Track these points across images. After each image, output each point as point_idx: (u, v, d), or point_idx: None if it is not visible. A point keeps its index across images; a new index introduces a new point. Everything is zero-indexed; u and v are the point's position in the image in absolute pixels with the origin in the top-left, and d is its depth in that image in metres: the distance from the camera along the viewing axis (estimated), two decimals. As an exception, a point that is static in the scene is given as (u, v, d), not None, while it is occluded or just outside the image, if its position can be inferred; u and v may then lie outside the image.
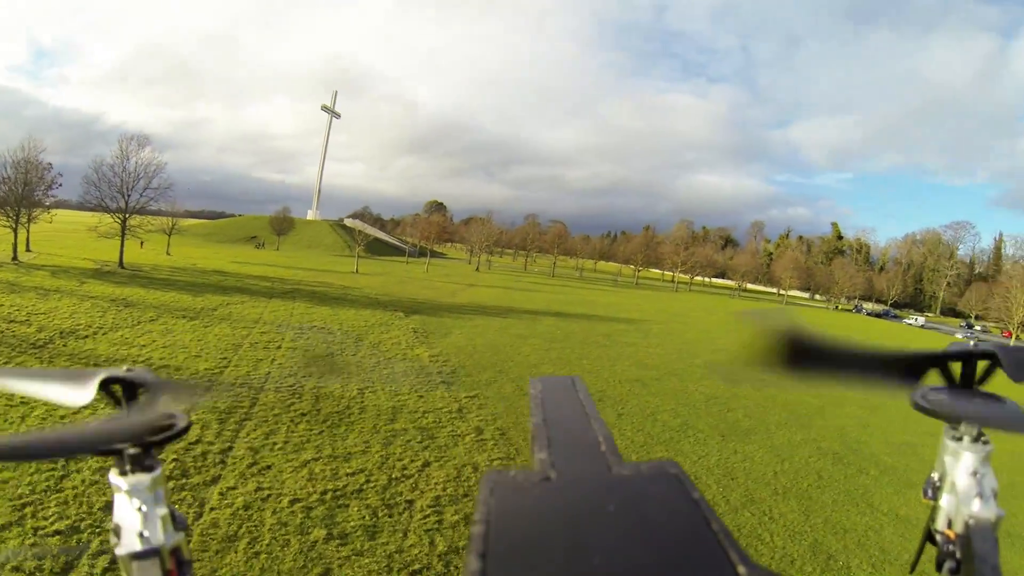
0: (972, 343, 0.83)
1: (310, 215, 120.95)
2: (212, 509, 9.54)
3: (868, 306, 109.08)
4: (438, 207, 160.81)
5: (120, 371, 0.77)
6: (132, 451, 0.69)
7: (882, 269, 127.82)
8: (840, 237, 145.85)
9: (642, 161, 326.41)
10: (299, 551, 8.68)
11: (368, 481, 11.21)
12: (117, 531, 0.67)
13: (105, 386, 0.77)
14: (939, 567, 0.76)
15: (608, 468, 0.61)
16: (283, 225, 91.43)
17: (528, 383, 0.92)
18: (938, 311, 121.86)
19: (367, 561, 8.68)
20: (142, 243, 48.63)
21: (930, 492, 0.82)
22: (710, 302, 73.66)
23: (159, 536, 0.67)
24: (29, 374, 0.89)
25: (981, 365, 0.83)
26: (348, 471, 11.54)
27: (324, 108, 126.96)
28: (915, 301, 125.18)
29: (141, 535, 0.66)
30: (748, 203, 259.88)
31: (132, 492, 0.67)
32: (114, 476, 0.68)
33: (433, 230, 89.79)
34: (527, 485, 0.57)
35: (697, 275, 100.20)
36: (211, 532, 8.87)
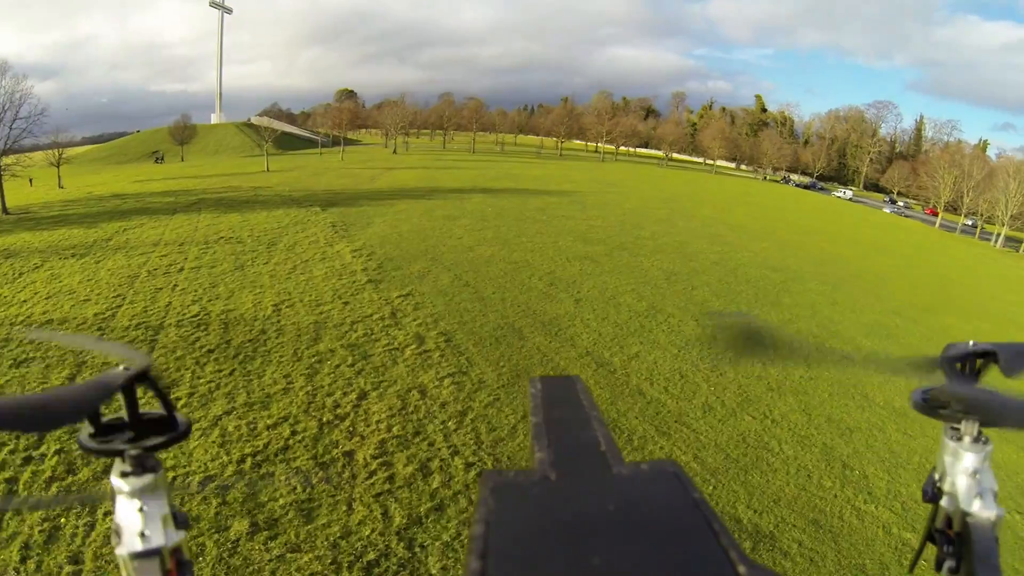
0: (971, 343, 0.83)
1: (214, 119, 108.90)
2: (106, 515, 6.46)
3: (795, 178, 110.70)
4: (349, 95, 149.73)
5: (118, 371, 0.74)
6: (133, 452, 0.68)
7: (807, 143, 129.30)
8: (764, 110, 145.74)
9: (556, 37, 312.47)
10: (217, 560, 6.22)
11: (294, 433, 8.73)
12: (118, 531, 0.66)
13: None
14: (939, 567, 0.75)
15: (608, 468, 0.61)
16: (184, 134, 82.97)
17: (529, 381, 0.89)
18: (861, 185, 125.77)
19: (306, 560, 6.30)
20: (31, 181, 41.61)
21: (930, 492, 0.81)
22: (640, 171, 72.29)
23: (160, 536, 0.66)
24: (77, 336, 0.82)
25: (980, 363, 0.83)
26: (268, 422, 8.98)
27: (213, 3, 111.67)
28: (839, 175, 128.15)
29: (142, 535, 0.66)
30: (666, 76, 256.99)
31: (133, 493, 0.67)
32: (115, 477, 0.68)
33: (344, 117, 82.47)
34: (527, 485, 0.57)
35: (622, 145, 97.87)
36: (105, 552, 6.19)
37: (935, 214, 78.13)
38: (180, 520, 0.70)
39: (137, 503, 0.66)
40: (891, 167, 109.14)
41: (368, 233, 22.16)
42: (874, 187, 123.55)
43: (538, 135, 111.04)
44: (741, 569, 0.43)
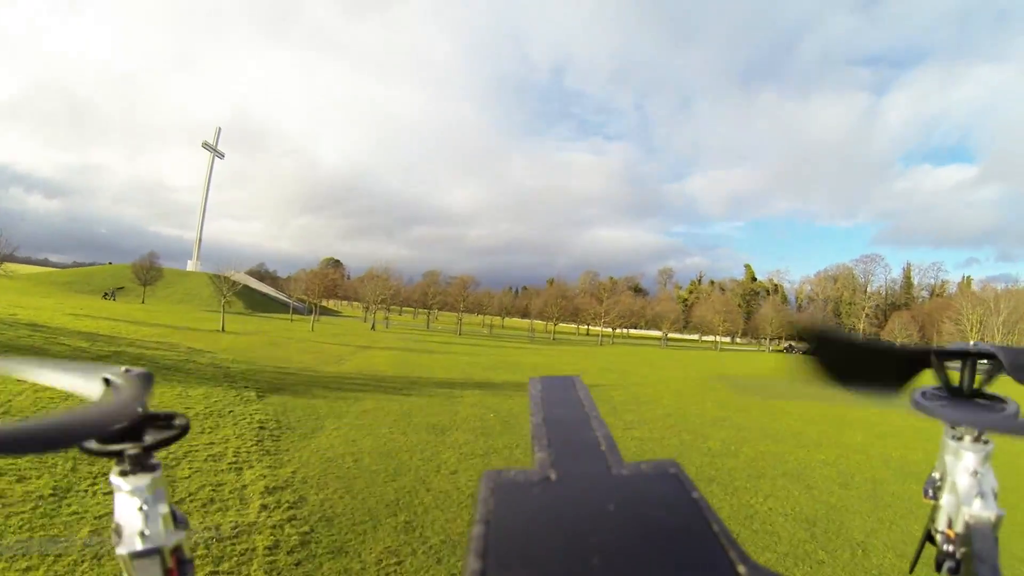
0: (971, 343, 0.82)
1: (190, 266, 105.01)
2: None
3: (798, 345, 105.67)
4: (334, 264, 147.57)
5: (119, 371, 0.75)
6: (132, 451, 0.68)
7: (800, 307, 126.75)
8: (754, 279, 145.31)
9: (540, 219, 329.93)
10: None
11: None
12: (118, 530, 0.66)
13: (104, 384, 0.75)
14: (939, 567, 0.75)
15: (608, 468, 0.59)
16: (149, 274, 78.37)
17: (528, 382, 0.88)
18: None
19: None
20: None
21: (930, 492, 0.81)
22: (645, 354, 64.99)
23: (160, 535, 0.66)
24: (41, 364, 0.83)
25: (981, 365, 0.83)
26: None
27: (205, 145, 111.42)
28: None
29: (142, 534, 0.65)
30: (647, 255, 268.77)
31: (133, 492, 0.67)
32: (115, 476, 0.68)
33: (319, 283, 76.87)
34: (527, 485, 0.56)
35: (619, 327, 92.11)
36: None
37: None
38: (180, 519, 0.69)
39: (137, 502, 0.66)
40: (890, 319, 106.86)
41: (308, 451, 13.56)
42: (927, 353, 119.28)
43: (527, 317, 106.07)
44: (741, 569, 0.43)
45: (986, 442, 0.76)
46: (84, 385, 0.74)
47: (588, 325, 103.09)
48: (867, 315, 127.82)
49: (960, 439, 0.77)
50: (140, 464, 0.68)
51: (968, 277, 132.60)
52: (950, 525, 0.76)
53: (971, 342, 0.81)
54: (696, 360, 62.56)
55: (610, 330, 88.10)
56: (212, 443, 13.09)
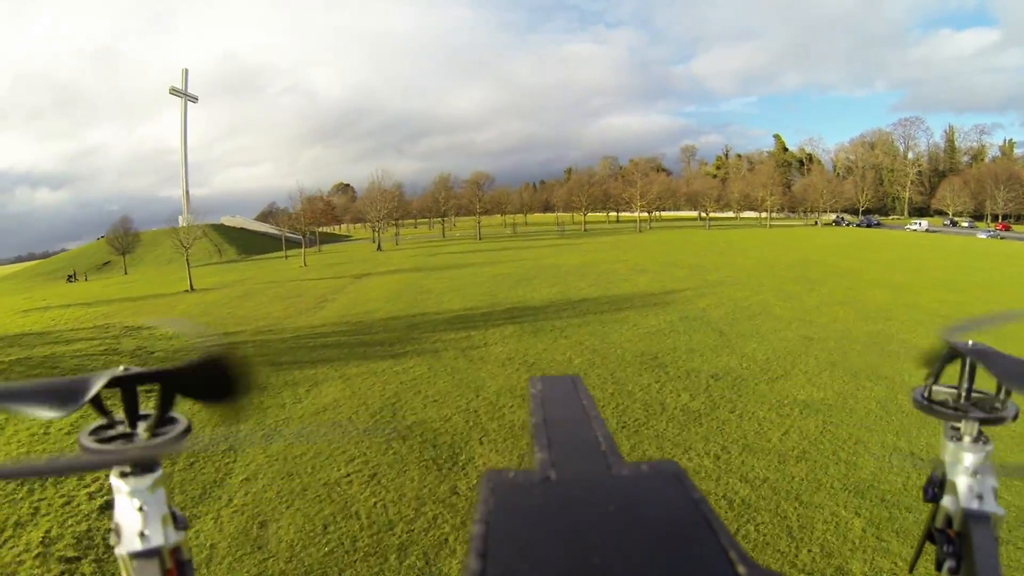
0: (969, 342, 0.83)
1: (181, 221, 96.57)
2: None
3: (848, 218, 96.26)
4: (344, 189, 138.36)
5: (118, 371, 0.74)
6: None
7: (838, 176, 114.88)
8: (786, 149, 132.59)
9: (550, 114, 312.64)
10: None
11: None
12: (117, 530, 0.67)
13: (96, 399, 0.74)
14: (939, 566, 0.76)
15: (608, 468, 0.60)
16: (125, 242, 70.43)
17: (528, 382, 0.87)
18: (906, 212, 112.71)
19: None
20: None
21: (931, 492, 0.82)
22: (700, 239, 55.63)
23: (159, 536, 0.67)
24: (12, 390, 0.74)
25: (977, 365, 0.83)
26: None
27: (173, 91, 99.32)
28: (881, 206, 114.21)
29: (141, 535, 0.66)
30: (660, 137, 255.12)
31: (133, 493, 0.67)
32: (115, 477, 0.68)
33: (307, 211, 68.36)
34: (527, 485, 0.57)
35: (656, 209, 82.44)
36: None
37: (1007, 229, 72.36)
38: (179, 520, 0.70)
39: (137, 503, 0.67)
40: (941, 186, 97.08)
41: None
42: (918, 212, 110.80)
43: (551, 211, 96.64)
44: (741, 569, 0.43)
45: (986, 442, 0.77)
46: (58, 409, 0.69)
47: (618, 211, 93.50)
48: (912, 182, 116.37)
49: (960, 439, 0.78)
50: (140, 465, 0.68)
51: (1011, 140, 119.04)
52: (950, 525, 0.76)
53: (969, 342, 0.82)
54: (758, 240, 53.47)
55: (646, 214, 78.37)
56: None
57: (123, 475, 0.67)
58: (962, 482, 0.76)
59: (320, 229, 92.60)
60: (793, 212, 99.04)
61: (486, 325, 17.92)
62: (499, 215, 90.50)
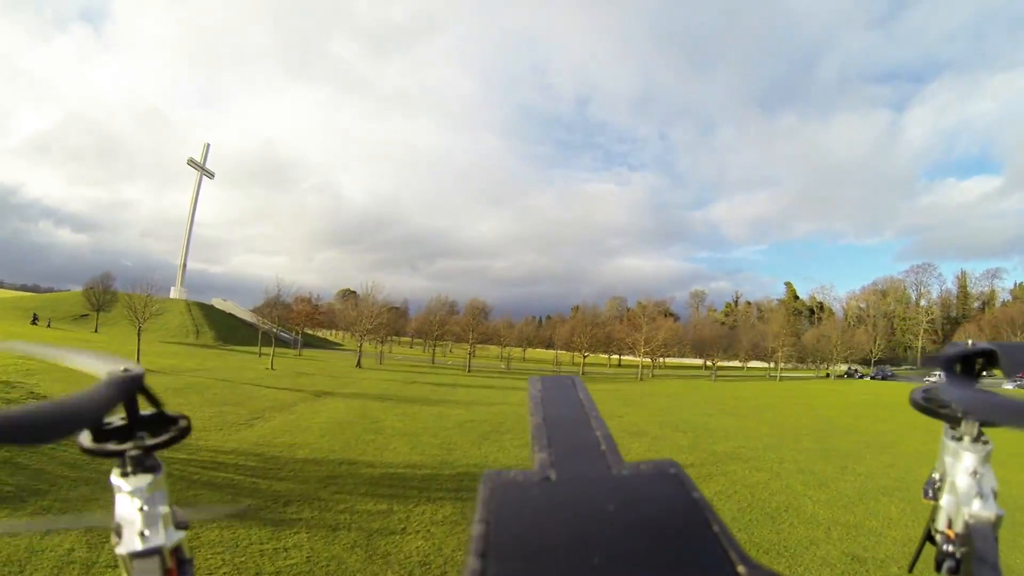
0: (970, 342, 0.84)
1: (173, 293, 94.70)
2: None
3: (861, 369, 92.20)
4: (351, 295, 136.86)
5: (118, 371, 0.75)
6: (133, 452, 0.69)
7: (851, 325, 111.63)
8: (796, 297, 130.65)
9: (565, 249, 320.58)
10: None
11: None
12: (118, 530, 0.66)
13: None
14: (938, 567, 0.75)
15: (608, 468, 0.59)
16: (102, 299, 68.53)
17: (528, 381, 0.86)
18: (918, 363, 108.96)
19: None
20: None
21: (930, 492, 0.81)
22: (713, 393, 51.19)
23: (160, 535, 0.66)
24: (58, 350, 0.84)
25: (980, 363, 0.85)
26: None
27: (191, 162, 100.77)
28: (893, 355, 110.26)
29: (142, 534, 0.66)
30: (670, 281, 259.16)
31: (134, 492, 0.67)
32: (115, 477, 0.68)
33: (296, 315, 64.99)
34: (527, 485, 0.56)
35: (661, 356, 78.30)
36: None
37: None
38: (180, 520, 0.70)
39: (137, 503, 0.66)
40: (956, 334, 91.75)
41: None
42: (932, 361, 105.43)
43: (552, 348, 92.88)
44: (741, 569, 0.42)
45: (986, 442, 0.76)
46: (76, 426, 0.68)
47: (620, 355, 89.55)
48: (924, 330, 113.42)
49: (960, 439, 0.77)
50: (141, 465, 0.68)
51: (1022, 284, 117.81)
52: (950, 525, 0.75)
53: (969, 341, 0.83)
54: (769, 396, 48.87)
55: (649, 360, 74.23)
56: None
57: (123, 475, 0.67)
58: (962, 482, 0.75)
59: (312, 332, 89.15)
60: (802, 363, 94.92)
61: (419, 497, 13.39)
62: (499, 346, 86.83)
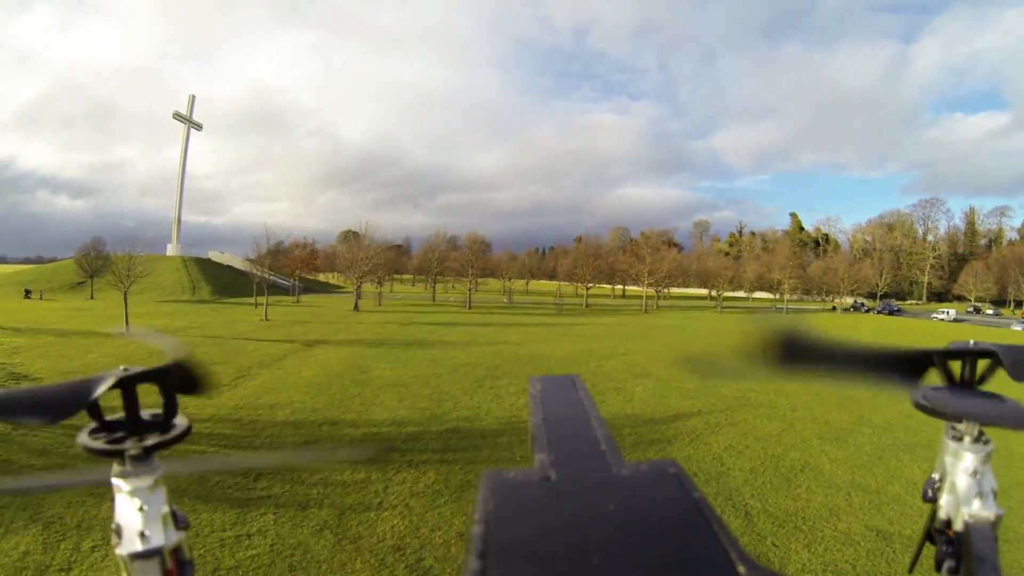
0: (971, 342, 0.83)
1: (170, 250, 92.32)
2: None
3: (867, 303, 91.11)
4: (352, 236, 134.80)
5: (118, 371, 0.76)
6: (133, 452, 0.70)
7: (856, 259, 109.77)
8: (802, 229, 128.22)
9: (567, 180, 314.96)
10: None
11: None
12: (118, 531, 0.67)
13: (93, 407, 0.75)
14: (938, 567, 0.77)
15: (608, 468, 0.61)
16: (95, 264, 65.77)
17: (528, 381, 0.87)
18: (924, 298, 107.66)
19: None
20: None
21: (930, 492, 0.82)
22: (714, 323, 50.21)
23: (160, 536, 0.67)
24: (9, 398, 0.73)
25: (981, 364, 0.84)
26: None
27: (177, 116, 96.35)
28: (898, 290, 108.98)
29: (142, 535, 0.67)
30: (674, 210, 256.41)
31: (133, 493, 0.68)
32: (115, 477, 0.69)
33: (294, 262, 63.73)
34: (527, 485, 0.57)
35: (667, 287, 76.92)
36: None
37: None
38: (180, 520, 0.71)
39: (137, 503, 0.67)
40: (963, 271, 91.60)
41: None
42: (936, 297, 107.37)
43: (555, 279, 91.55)
44: (741, 569, 0.43)
45: (986, 442, 0.77)
46: (63, 411, 0.69)
47: (624, 286, 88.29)
48: (931, 266, 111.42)
49: (960, 439, 0.78)
50: (141, 465, 0.68)
51: None
52: (950, 525, 0.76)
53: (970, 341, 0.82)
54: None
55: (653, 292, 72.89)
56: None
57: (124, 475, 0.67)
58: (962, 482, 0.76)
59: (311, 276, 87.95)
60: (807, 295, 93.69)
61: (401, 461, 12.29)
62: (498, 279, 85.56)
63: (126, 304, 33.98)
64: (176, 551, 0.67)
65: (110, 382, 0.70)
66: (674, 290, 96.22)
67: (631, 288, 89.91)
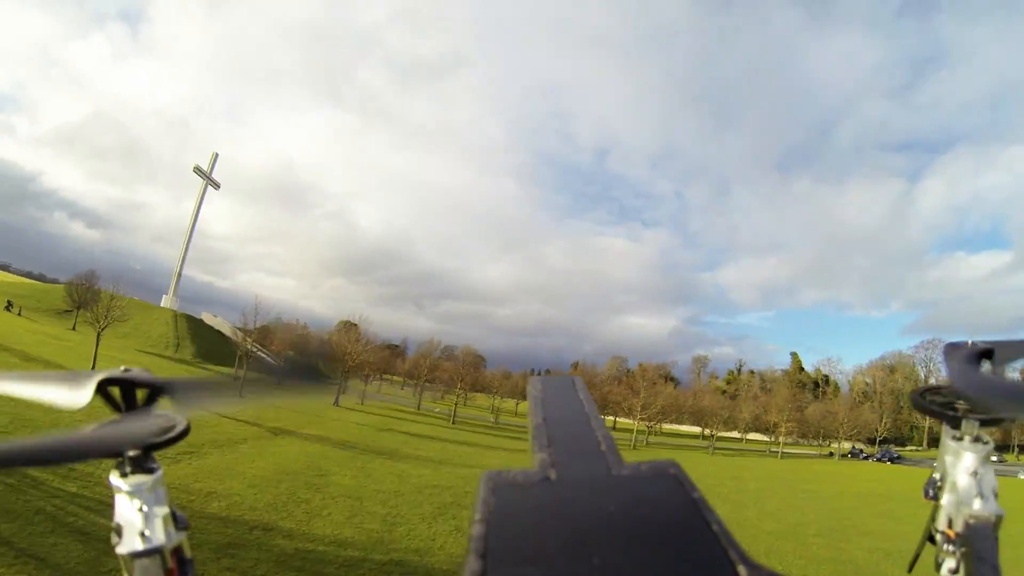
0: (970, 342, 0.83)
1: (164, 301, 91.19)
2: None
3: (867, 449, 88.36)
4: (350, 327, 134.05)
5: (117, 372, 0.77)
6: (132, 453, 0.69)
7: (856, 401, 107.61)
8: (801, 369, 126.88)
9: (572, 302, 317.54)
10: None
11: None
12: (119, 531, 0.67)
13: (102, 388, 0.76)
14: (938, 567, 0.76)
15: (608, 468, 0.59)
16: (85, 296, 63.12)
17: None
18: (925, 443, 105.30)
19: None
20: None
21: (931, 492, 0.82)
22: (718, 469, 47.68)
23: (160, 535, 0.67)
24: (26, 377, 0.84)
25: (982, 363, 0.82)
26: None
27: (197, 170, 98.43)
28: (898, 435, 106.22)
29: (142, 534, 0.66)
30: (674, 343, 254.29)
31: (133, 493, 0.68)
32: (115, 478, 0.69)
33: (283, 341, 62.81)
34: (527, 485, 0.56)
35: (660, 422, 74.61)
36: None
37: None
38: (180, 520, 0.70)
39: (137, 503, 0.67)
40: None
41: None
42: (937, 442, 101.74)
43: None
44: (741, 569, 0.42)
45: (986, 442, 0.76)
46: (70, 396, 0.74)
47: (616, 417, 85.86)
48: None
49: (960, 439, 0.78)
50: (140, 465, 0.68)
51: None
52: (950, 525, 0.75)
53: (969, 341, 0.82)
54: (772, 478, 45.28)
55: (645, 427, 70.47)
56: None
57: (123, 475, 0.67)
58: (962, 482, 0.75)
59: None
60: (803, 438, 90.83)
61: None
62: (489, 396, 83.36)
63: (97, 344, 32.47)
64: (176, 551, 0.67)
65: (106, 375, 0.70)
66: (667, 426, 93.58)
67: (623, 420, 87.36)
